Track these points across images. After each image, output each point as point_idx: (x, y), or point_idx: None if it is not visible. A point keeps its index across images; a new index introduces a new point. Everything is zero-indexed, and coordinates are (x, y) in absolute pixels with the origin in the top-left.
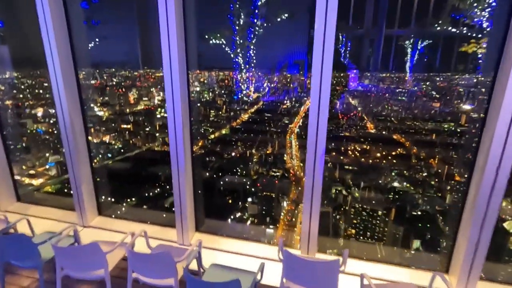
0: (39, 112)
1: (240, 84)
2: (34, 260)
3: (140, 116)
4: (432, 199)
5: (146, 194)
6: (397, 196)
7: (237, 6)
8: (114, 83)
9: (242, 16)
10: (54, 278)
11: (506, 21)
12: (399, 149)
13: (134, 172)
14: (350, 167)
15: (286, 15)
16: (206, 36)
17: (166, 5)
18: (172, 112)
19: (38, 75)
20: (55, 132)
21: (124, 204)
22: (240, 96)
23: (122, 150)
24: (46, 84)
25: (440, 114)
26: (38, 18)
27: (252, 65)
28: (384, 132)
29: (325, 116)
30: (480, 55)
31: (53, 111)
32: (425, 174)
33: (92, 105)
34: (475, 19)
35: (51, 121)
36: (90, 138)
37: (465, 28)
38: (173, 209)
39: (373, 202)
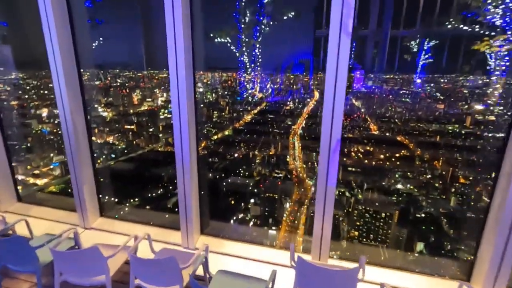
0: (44, 112)
1: (246, 84)
2: (32, 264)
3: (144, 116)
4: (436, 201)
5: (149, 195)
6: (400, 198)
7: (243, 4)
8: (118, 84)
9: (248, 14)
10: (53, 283)
11: None
12: (402, 151)
13: (138, 173)
14: (353, 169)
15: (293, 13)
16: (211, 35)
17: (172, 3)
18: (178, 112)
19: (43, 76)
20: (60, 132)
21: (127, 205)
22: (245, 96)
23: (125, 151)
24: (51, 85)
25: (444, 116)
26: (41, 18)
27: (258, 64)
28: (387, 134)
29: (340, 115)
30: (491, 54)
31: (58, 111)
32: (429, 176)
33: (96, 105)
34: (488, 17)
35: (56, 122)
36: (94, 138)
37: (477, 26)
38: (176, 209)
39: (377, 204)
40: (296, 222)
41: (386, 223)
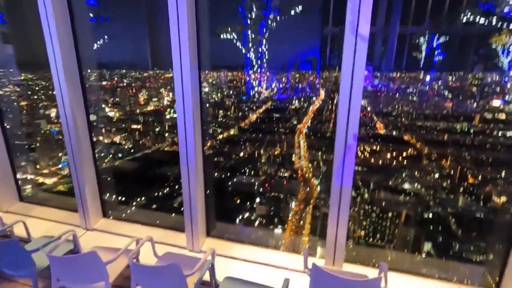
0: (53, 113)
1: (252, 81)
2: (27, 269)
3: (150, 116)
4: (444, 201)
5: (155, 194)
6: (407, 198)
7: None
8: (124, 84)
9: (254, 9)
10: None
11: None
12: (409, 150)
13: (144, 172)
14: (359, 168)
15: (300, 7)
16: (216, 31)
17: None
18: (182, 111)
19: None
20: None
21: (131, 206)
22: (252, 94)
23: (132, 150)
24: None
25: (452, 114)
26: (40, 15)
27: (265, 61)
28: (394, 133)
29: (358, 107)
30: (503, 49)
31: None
32: (436, 175)
33: (103, 105)
34: (505, 10)
35: None
36: (101, 138)
37: (494, 18)
38: (182, 208)
39: (383, 203)
40: (301, 222)
41: (393, 223)
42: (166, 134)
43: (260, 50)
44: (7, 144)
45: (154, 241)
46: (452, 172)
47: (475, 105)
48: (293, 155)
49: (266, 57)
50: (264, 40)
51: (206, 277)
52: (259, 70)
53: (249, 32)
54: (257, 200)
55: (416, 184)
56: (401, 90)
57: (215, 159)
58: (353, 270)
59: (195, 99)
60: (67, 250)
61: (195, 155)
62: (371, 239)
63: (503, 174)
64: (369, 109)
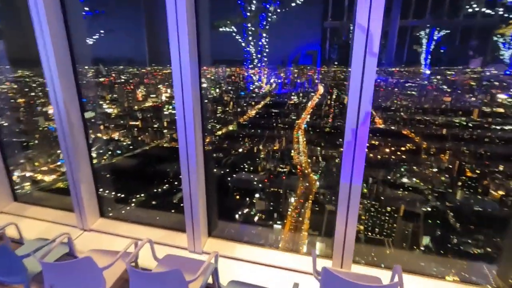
0: (50, 110)
1: (252, 76)
2: (19, 275)
3: (148, 112)
4: (442, 195)
5: (155, 190)
6: (406, 192)
7: None
8: (122, 80)
9: (254, 1)
10: None
11: None
12: (408, 144)
13: (143, 168)
14: None
15: None
16: (215, 24)
17: None
18: (182, 106)
19: None
20: None
21: (130, 204)
22: (252, 89)
23: (131, 147)
24: None
25: (451, 109)
26: (30, 8)
27: (265, 54)
28: (393, 127)
29: (369, 104)
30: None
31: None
32: (435, 169)
33: (101, 102)
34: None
35: None
36: (99, 135)
37: (501, 9)
38: (182, 204)
39: (382, 198)
40: (300, 217)
41: (392, 217)
42: (165, 131)
43: (260, 43)
44: (0, 143)
45: (154, 242)
46: (450, 166)
47: (473, 99)
48: (292, 151)
49: (267, 51)
50: (264, 33)
51: (209, 280)
52: (259, 64)
53: (249, 25)
54: (257, 195)
55: (414, 179)
56: (400, 84)
57: (214, 155)
58: (362, 271)
59: (195, 93)
60: (61, 254)
61: (196, 152)
62: (369, 234)
63: (500, 168)
64: None
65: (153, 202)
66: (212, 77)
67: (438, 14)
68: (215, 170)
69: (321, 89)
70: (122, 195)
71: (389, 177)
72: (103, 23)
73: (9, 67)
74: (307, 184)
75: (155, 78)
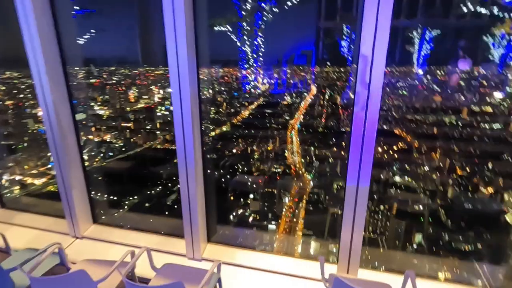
0: (40, 112)
1: (248, 75)
2: None
3: (141, 114)
4: (434, 194)
5: (148, 192)
6: (398, 191)
7: None
8: (114, 81)
9: (250, 0)
10: None
11: None
12: (400, 143)
13: (135, 171)
14: None
15: None
16: (210, 23)
17: None
18: (179, 106)
19: None
20: None
21: (124, 209)
22: (247, 89)
23: (123, 149)
24: None
25: (441, 108)
26: (16, 6)
27: (260, 54)
28: (384, 127)
29: (378, 101)
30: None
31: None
32: (426, 168)
33: (92, 104)
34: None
35: None
36: (91, 137)
37: (495, 7)
38: (176, 206)
39: (375, 197)
40: (294, 217)
41: (384, 216)
42: (158, 132)
43: (256, 43)
44: None
45: (151, 249)
46: (441, 165)
47: (463, 98)
48: (286, 151)
49: (263, 50)
50: (260, 33)
51: None
52: (254, 64)
53: (244, 24)
54: (251, 196)
55: (406, 177)
56: (391, 84)
57: (207, 155)
58: (369, 276)
59: (193, 93)
60: (52, 266)
61: (194, 154)
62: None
63: (490, 165)
64: None
65: (147, 204)
66: (205, 78)
67: (430, 14)
68: (212, 172)
69: (314, 89)
70: (115, 198)
71: (381, 176)
72: (94, 22)
73: None
74: (301, 183)
75: (147, 79)
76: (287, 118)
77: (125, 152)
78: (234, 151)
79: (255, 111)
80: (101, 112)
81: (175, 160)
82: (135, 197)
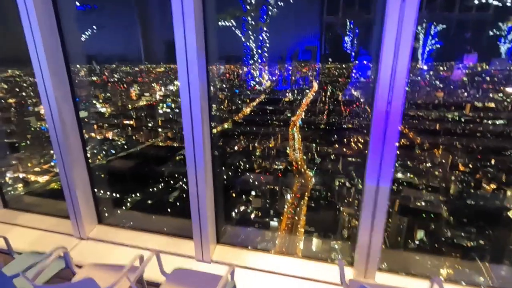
0: (42, 109)
1: (252, 71)
2: None
3: (142, 111)
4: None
5: (151, 189)
6: (400, 187)
7: None
8: (115, 79)
9: None
10: None
11: None
12: (402, 140)
13: (138, 168)
14: (353, 159)
15: None
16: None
17: None
18: (188, 102)
19: None
20: None
21: (129, 209)
22: (252, 85)
23: (125, 146)
24: None
25: (443, 104)
26: (17, 3)
27: (265, 49)
28: None
29: (402, 94)
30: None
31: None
32: (429, 164)
33: (94, 101)
34: None
35: None
36: (93, 135)
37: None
38: (178, 203)
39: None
40: (296, 214)
41: (387, 212)
42: (160, 129)
43: (260, 38)
44: None
45: (159, 251)
46: (443, 161)
47: (465, 94)
48: (288, 148)
49: (267, 46)
50: (265, 28)
51: None
52: (259, 60)
53: (249, 18)
54: (253, 193)
55: (409, 174)
56: None
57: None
58: (388, 281)
59: (203, 89)
60: (57, 271)
61: (204, 152)
62: None
63: (492, 161)
64: (362, 100)
65: (149, 202)
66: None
67: (434, 8)
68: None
69: (315, 86)
70: (117, 195)
71: None
72: (95, 18)
73: None
74: (303, 180)
75: (149, 76)
76: (288, 115)
77: (127, 150)
78: (236, 148)
79: (256, 108)
80: (103, 109)
81: (177, 157)
82: (137, 194)
